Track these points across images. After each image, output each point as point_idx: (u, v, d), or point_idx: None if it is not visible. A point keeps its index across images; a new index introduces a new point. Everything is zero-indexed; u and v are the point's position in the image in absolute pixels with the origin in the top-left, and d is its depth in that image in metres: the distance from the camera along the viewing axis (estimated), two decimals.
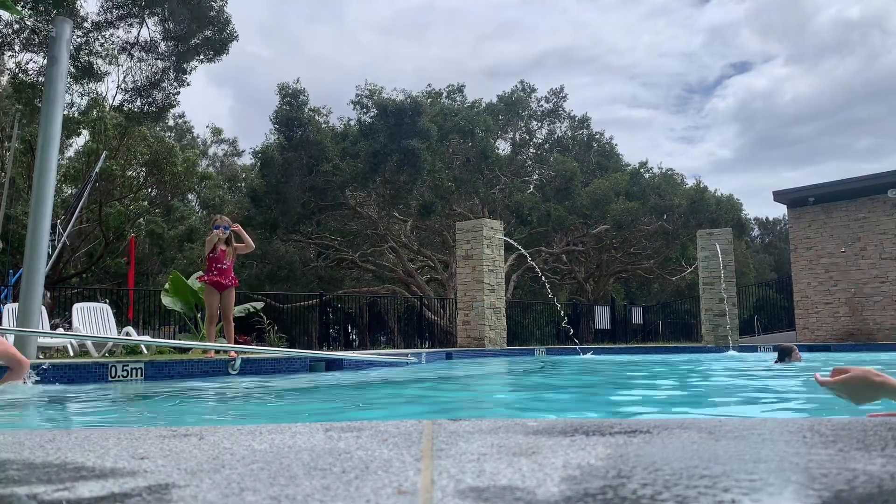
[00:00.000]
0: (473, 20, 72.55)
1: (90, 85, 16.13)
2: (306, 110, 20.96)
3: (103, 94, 17.34)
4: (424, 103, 20.68)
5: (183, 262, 23.45)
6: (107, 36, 15.19)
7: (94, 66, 15.32)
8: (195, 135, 34.35)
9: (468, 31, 72.29)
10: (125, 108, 16.52)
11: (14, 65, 15.55)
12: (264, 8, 63.33)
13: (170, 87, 16.03)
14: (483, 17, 72.17)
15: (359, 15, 72.29)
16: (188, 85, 16.25)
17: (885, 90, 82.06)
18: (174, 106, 16.90)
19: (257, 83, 66.22)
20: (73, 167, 21.94)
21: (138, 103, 16.08)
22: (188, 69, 15.84)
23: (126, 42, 15.39)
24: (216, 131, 35.27)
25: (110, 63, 15.71)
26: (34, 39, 14.31)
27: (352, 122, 22.18)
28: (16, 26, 14.27)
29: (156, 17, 15.25)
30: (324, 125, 21.67)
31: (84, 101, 17.33)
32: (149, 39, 15.46)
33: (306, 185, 20.21)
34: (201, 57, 15.50)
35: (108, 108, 18.81)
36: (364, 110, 21.58)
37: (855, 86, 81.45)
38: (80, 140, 22.33)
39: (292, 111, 20.56)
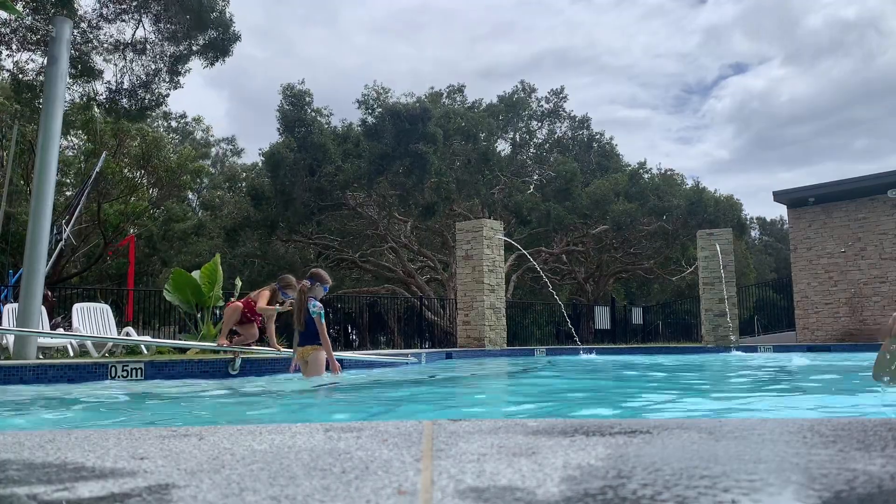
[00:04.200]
0: (468, 21, 72.51)
1: (88, 85, 16.12)
2: (309, 111, 20.98)
3: (97, 93, 17.36)
4: (432, 108, 20.71)
5: (187, 258, 23.42)
6: (104, 35, 15.19)
7: (93, 65, 15.32)
8: (197, 137, 34.39)
9: (463, 32, 72.25)
10: (108, 106, 16.50)
11: (12, 64, 15.55)
12: (259, 9, 63.31)
13: (160, 88, 16.02)
14: (477, 19, 72.09)
15: (353, 16, 72.23)
16: (181, 86, 16.23)
17: (882, 91, 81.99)
18: (161, 105, 16.86)
19: (254, 85, 66.21)
20: (72, 168, 21.94)
21: (124, 102, 16.05)
22: (182, 70, 15.83)
23: (119, 42, 15.38)
24: (207, 129, 35.33)
25: (107, 62, 15.71)
26: (31, 38, 14.30)
27: (353, 124, 22.19)
28: (13, 25, 14.26)
29: (153, 17, 15.25)
30: (325, 126, 21.68)
31: (79, 100, 17.31)
32: (144, 39, 15.45)
33: (310, 186, 20.23)
34: (206, 58, 15.49)
35: (100, 108, 18.80)
36: (369, 111, 21.58)
37: (852, 86, 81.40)
38: (74, 139, 22.34)
39: (295, 112, 20.58)
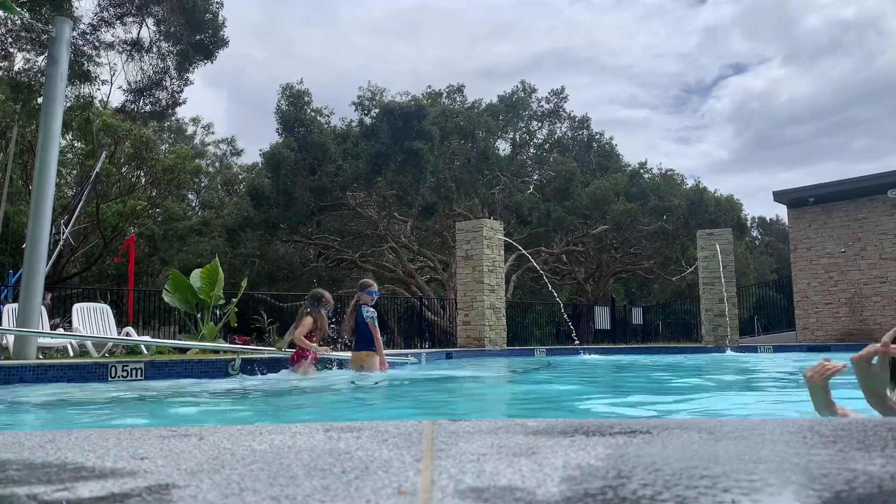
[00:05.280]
0: (468, 21, 72.59)
1: (85, 88, 16.11)
2: (309, 111, 20.97)
3: (96, 96, 17.31)
4: (427, 105, 20.71)
5: (188, 258, 23.36)
6: (106, 37, 15.20)
7: (90, 69, 15.32)
8: (194, 136, 34.39)
9: (463, 32, 72.31)
10: (127, 109, 16.51)
11: (7, 64, 15.53)
12: (258, 9, 63.34)
13: (173, 86, 16.04)
14: (477, 19, 72.17)
15: (352, 17, 72.29)
16: (192, 83, 16.27)
17: (882, 91, 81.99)
18: (180, 104, 16.89)
19: (253, 85, 66.18)
20: (66, 168, 21.93)
21: (140, 103, 16.08)
22: (190, 68, 15.85)
23: (123, 42, 15.40)
24: (208, 126, 35.25)
25: (106, 64, 15.72)
26: (27, 38, 14.30)
27: (353, 123, 22.18)
28: (10, 25, 14.26)
29: (153, 18, 15.26)
30: (325, 126, 21.68)
31: (77, 102, 17.28)
32: (149, 39, 15.46)
33: (310, 186, 20.22)
34: (195, 59, 15.52)
35: (104, 109, 18.77)
36: (365, 112, 21.58)
37: (851, 86, 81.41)
38: (75, 143, 22.34)
39: (295, 112, 20.57)
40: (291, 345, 7.17)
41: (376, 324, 6.86)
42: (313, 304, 6.99)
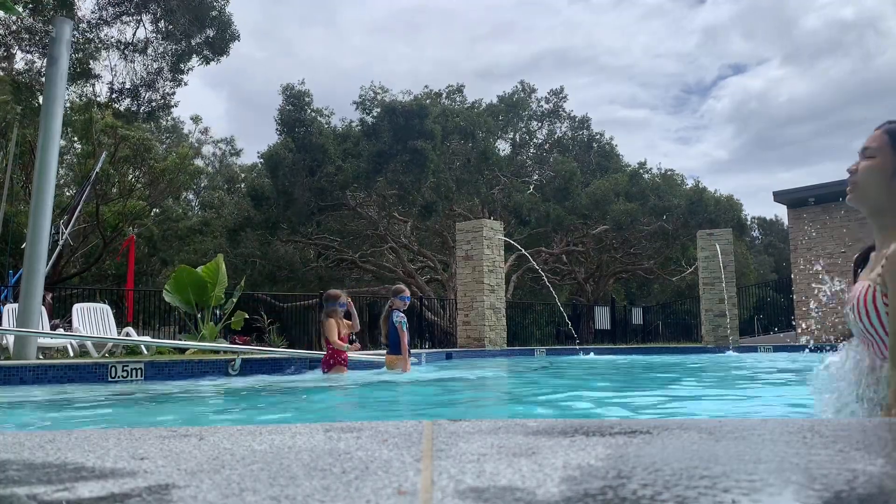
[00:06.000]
0: (468, 21, 72.72)
1: (86, 87, 16.10)
2: (309, 111, 20.97)
3: (97, 95, 17.30)
4: (429, 106, 20.72)
5: (190, 257, 23.31)
6: (102, 36, 15.19)
7: (91, 68, 15.32)
8: (187, 132, 34.36)
9: (463, 32, 72.42)
10: (113, 107, 16.51)
11: (8, 65, 15.52)
12: (257, 10, 63.40)
13: (165, 88, 16.04)
14: (477, 19, 72.30)
15: (352, 16, 72.44)
16: (185, 85, 16.25)
17: (881, 91, 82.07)
18: (171, 106, 16.88)
19: (252, 85, 66.28)
20: (64, 166, 21.91)
21: (128, 103, 16.07)
22: (185, 69, 15.83)
23: (120, 42, 15.39)
24: (204, 130, 35.21)
25: (109, 63, 15.72)
26: (31, 39, 14.29)
27: (353, 123, 22.17)
28: (13, 27, 14.26)
29: (152, 17, 15.25)
30: (325, 126, 21.68)
31: (79, 101, 17.27)
32: (145, 39, 15.45)
33: (310, 186, 20.22)
34: (202, 56, 15.50)
35: (98, 108, 18.78)
36: (366, 111, 21.57)
37: (850, 87, 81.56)
38: (76, 143, 22.35)
39: (295, 112, 20.56)
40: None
41: (405, 329, 7.18)
42: (329, 305, 7.11)
